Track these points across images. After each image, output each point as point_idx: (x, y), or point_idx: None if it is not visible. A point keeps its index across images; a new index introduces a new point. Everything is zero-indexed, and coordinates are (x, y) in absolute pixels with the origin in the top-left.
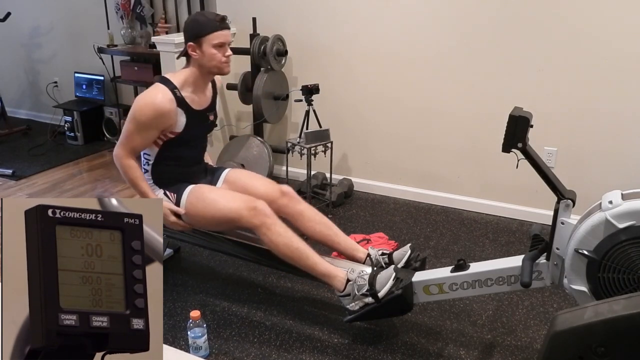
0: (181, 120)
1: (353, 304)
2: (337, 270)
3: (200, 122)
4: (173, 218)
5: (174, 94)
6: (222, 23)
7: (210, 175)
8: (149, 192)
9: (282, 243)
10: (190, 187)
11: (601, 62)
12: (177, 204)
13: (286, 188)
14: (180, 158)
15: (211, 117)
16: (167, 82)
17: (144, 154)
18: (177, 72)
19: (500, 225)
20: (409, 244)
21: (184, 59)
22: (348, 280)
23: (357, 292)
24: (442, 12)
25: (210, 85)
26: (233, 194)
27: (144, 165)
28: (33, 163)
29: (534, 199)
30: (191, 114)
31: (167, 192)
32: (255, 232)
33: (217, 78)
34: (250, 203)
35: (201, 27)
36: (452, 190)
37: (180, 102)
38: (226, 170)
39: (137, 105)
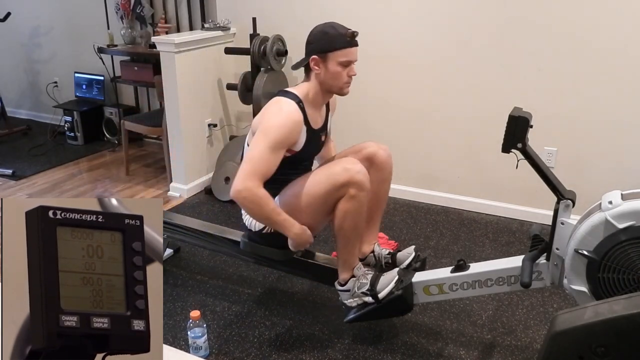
0: (302, 138)
1: (351, 300)
2: (354, 264)
3: (316, 142)
4: (310, 236)
5: (300, 107)
6: (352, 39)
7: None
8: (290, 219)
9: (353, 220)
10: (278, 196)
11: (601, 62)
12: None
13: (386, 147)
14: (285, 181)
15: (323, 138)
16: (291, 96)
17: None
18: (297, 85)
19: (500, 225)
20: (413, 246)
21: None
22: (352, 276)
23: (357, 290)
24: (442, 13)
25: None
26: (323, 167)
27: None
28: (33, 163)
29: (534, 199)
30: (310, 133)
31: None
32: (342, 191)
33: (334, 97)
34: (347, 163)
35: (330, 41)
36: (452, 190)
37: (305, 118)
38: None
39: (268, 123)
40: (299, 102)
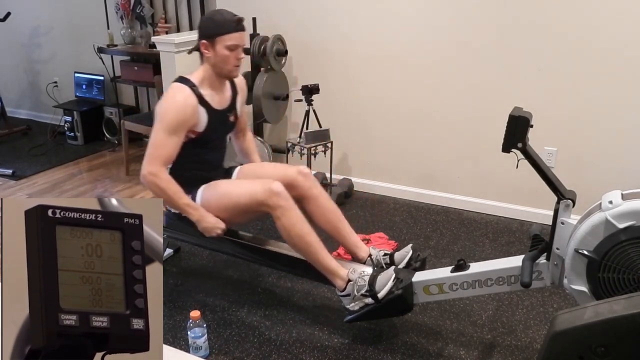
0: (203, 118)
1: (353, 304)
2: (341, 269)
3: (221, 122)
4: (220, 226)
5: (194, 91)
6: (238, 25)
7: (226, 176)
8: (192, 204)
9: (294, 232)
10: (203, 186)
11: (601, 61)
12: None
13: (304, 168)
14: (201, 162)
15: (231, 118)
16: (184, 81)
17: None
18: (193, 72)
19: (500, 225)
20: (410, 245)
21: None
22: (349, 280)
23: (357, 293)
24: (442, 13)
25: (228, 84)
26: (247, 180)
27: None
28: (33, 163)
29: (534, 199)
30: (212, 113)
31: None
32: (270, 214)
33: (241, 80)
34: (266, 184)
35: (216, 26)
36: (452, 190)
37: (201, 99)
38: (239, 167)
39: (161, 108)
40: (192, 85)
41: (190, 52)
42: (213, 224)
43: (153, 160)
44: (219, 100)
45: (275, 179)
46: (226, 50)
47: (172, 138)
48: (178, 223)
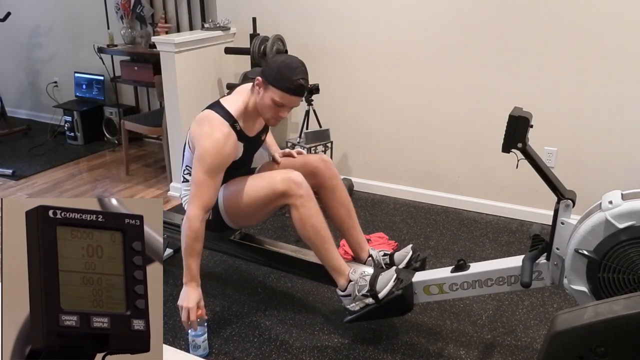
0: (240, 150)
1: (354, 304)
2: (346, 268)
3: (255, 145)
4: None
5: (234, 128)
6: (297, 90)
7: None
8: (193, 275)
9: (310, 223)
10: (222, 187)
11: (601, 61)
12: (214, 205)
13: (326, 157)
14: (232, 176)
15: (263, 137)
16: (224, 114)
17: (187, 165)
18: (236, 97)
19: (500, 225)
20: (411, 245)
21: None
22: (350, 281)
23: (357, 293)
24: (442, 13)
25: None
26: (267, 173)
27: (185, 174)
28: (33, 163)
29: (534, 199)
30: (248, 142)
31: None
32: (287, 205)
33: None
34: (286, 174)
35: (279, 78)
36: (452, 190)
37: (240, 135)
38: (259, 166)
39: (201, 146)
40: (233, 122)
41: (245, 82)
42: (187, 302)
43: (197, 201)
44: (253, 127)
45: (295, 169)
46: (273, 103)
47: (213, 179)
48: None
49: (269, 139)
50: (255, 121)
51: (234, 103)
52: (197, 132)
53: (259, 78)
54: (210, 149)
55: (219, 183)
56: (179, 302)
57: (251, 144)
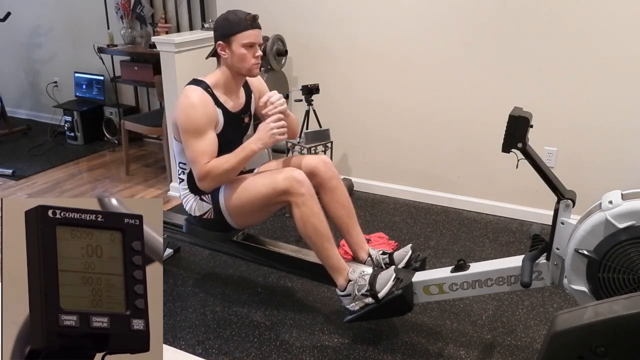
0: (220, 120)
1: (353, 304)
2: (345, 268)
3: (237, 124)
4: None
5: (209, 92)
6: (253, 22)
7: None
8: (247, 147)
9: (311, 222)
10: (223, 185)
11: (601, 61)
12: (215, 204)
13: (326, 158)
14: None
15: (246, 120)
16: (198, 83)
17: (180, 162)
18: (208, 74)
19: (500, 225)
20: (410, 245)
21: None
22: (349, 280)
23: (357, 293)
24: (442, 12)
25: (242, 89)
26: (268, 171)
27: (180, 174)
28: (33, 163)
29: (534, 199)
30: (227, 115)
31: (203, 197)
32: (289, 203)
33: (257, 79)
34: (288, 172)
35: (231, 26)
36: (452, 190)
37: (216, 101)
38: (259, 167)
39: (180, 117)
40: (206, 87)
41: (208, 57)
42: (267, 138)
43: (198, 163)
44: (233, 104)
45: (297, 167)
46: (243, 49)
47: (205, 138)
48: (198, 229)
49: (290, 119)
50: (232, 97)
51: (208, 76)
52: (175, 111)
53: (219, 43)
54: (190, 111)
55: (214, 139)
56: (261, 134)
57: (232, 120)
